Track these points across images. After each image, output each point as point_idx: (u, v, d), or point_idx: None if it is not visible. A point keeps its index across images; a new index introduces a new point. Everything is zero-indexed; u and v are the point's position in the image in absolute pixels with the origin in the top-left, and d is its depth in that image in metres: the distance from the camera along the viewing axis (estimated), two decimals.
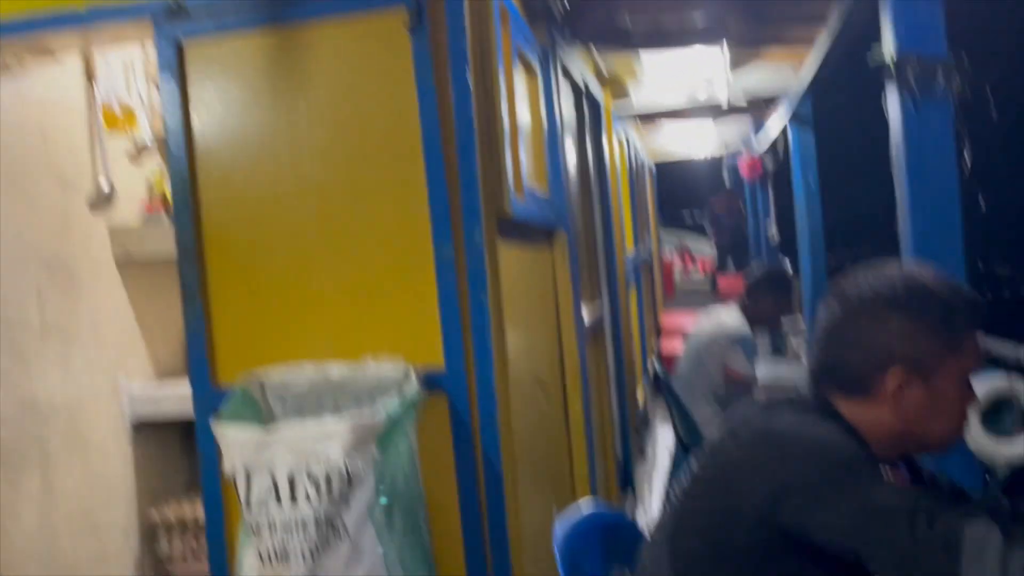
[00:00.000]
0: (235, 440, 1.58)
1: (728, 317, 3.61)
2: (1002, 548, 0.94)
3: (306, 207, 1.79)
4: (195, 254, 1.82)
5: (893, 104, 2.08)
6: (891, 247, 2.26)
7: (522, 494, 1.90)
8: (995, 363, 1.99)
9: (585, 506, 1.49)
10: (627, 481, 3.97)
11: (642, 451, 4.98)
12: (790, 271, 3.76)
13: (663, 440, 5.47)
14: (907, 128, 2.05)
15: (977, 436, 1.86)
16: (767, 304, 3.62)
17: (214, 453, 1.80)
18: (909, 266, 1.29)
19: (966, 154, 2.02)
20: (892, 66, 2.06)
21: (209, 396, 1.82)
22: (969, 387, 1.24)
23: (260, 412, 1.75)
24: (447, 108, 1.73)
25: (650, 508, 4.06)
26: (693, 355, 3.63)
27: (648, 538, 1.33)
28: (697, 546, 1.20)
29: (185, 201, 1.81)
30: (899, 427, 1.22)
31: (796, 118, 4.86)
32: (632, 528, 1.50)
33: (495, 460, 1.73)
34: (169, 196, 2.12)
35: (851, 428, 1.22)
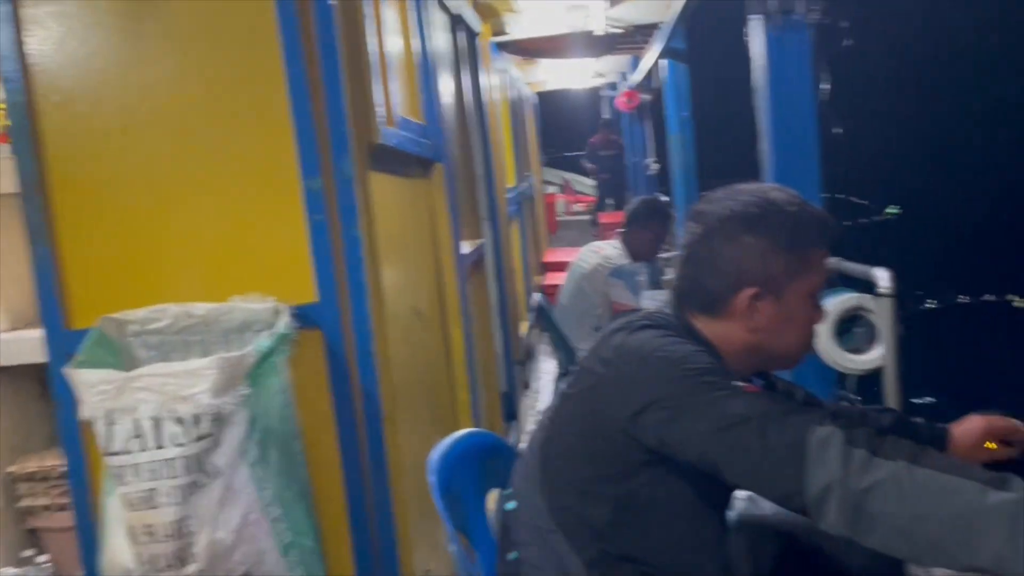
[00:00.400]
0: (92, 385, 1.50)
1: (609, 250, 3.65)
2: (843, 448, 1.00)
3: (160, 137, 1.68)
4: (39, 189, 1.68)
5: (755, 32, 2.13)
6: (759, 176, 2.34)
7: (402, 427, 1.90)
8: (849, 283, 2.12)
9: (460, 432, 1.51)
10: (511, 413, 4.04)
11: (526, 383, 5.09)
12: (668, 203, 3.85)
13: (547, 372, 5.59)
14: (768, 55, 2.11)
15: (831, 349, 1.98)
16: (646, 236, 3.67)
17: (71, 400, 1.71)
18: (763, 186, 1.33)
19: (824, 82, 2.10)
20: None
21: (63, 340, 1.71)
22: (817, 304, 1.30)
23: (120, 355, 1.66)
24: (310, 33, 1.65)
25: None
26: (574, 286, 3.69)
27: (522, 455, 1.36)
28: (565, 463, 1.24)
29: (24, 131, 1.67)
30: (752, 342, 1.27)
31: (669, 51, 4.93)
32: (508, 451, 1.53)
33: (373, 393, 1.71)
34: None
35: (708, 344, 1.27)
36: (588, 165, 13.01)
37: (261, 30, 1.64)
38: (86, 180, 1.70)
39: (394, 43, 2.07)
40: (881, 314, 1.93)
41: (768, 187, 1.32)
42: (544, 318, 3.67)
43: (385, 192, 1.93)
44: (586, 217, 14.54)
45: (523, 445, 3.91)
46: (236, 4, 1.65)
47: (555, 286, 7.02)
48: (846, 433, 1.02)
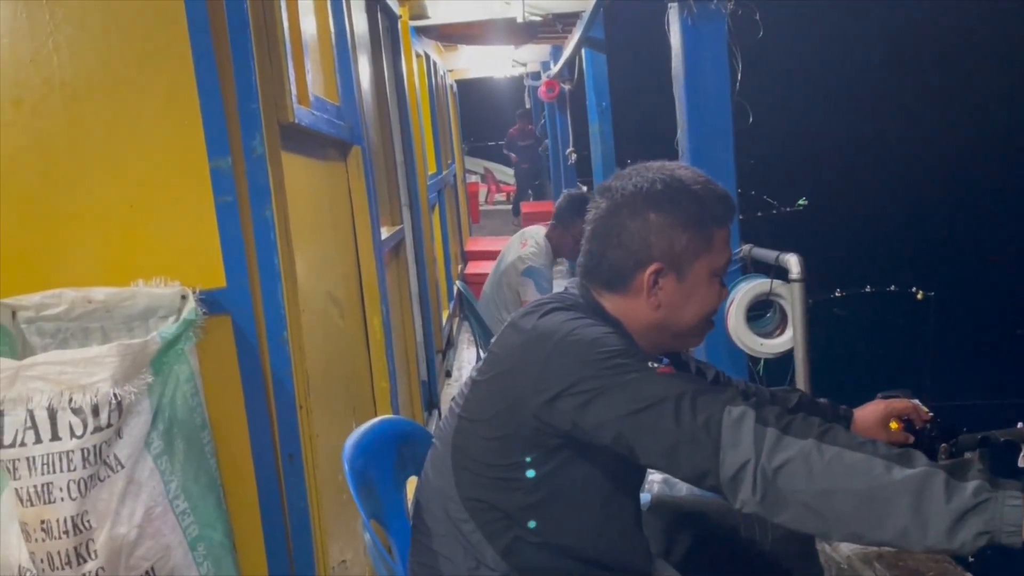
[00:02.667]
0: None
1: (530, 245, 3.58)
2: (755, 427, 1.02)
3: (55, 112, 1.58)
4: None
5: (673, 20, 2.16)
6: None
7: (318, 415, 1.85)
8: (760, 269, 2.17)
9: (376, 419, 1.47)
10: (432, 401, 4.02)
11: (448, 372, 5.06)
12: (586, 195, 3.79)
13: (469, 361, 5.58)
14: (685, 44, 2.14)
15: (742, 333, 2.03)
16: (572, 233, 3.53)
17: None
18: (669, 164, 1.33)
19: (738, 70, 2.14)
20: None
21: None
22: (720, 282, 1.31)
23: (14, 343, 1.57)
24: (219, 6, 1.58)
25: None
26: (495, 281, 3.67)
27: (433, 444, 1.34)
28: (477, 450, 1.22)
29: None
30: (655, 319, 1.27)
31: (588, 40, 4.96)
32: (424, 436, 1.50)
33: (286, 381, 1.66)
34: None
35: (615, 322, 1.27)
36: (511, 155, 13.00)
37: (166, 1, 1.56)
38: None
39: (309, 21, 2.01)
40: (791, 299, 1.98)
41: (674, 165, 1.32)
42: (466, 307, 3.65)
43: (298, 173, 1.87)
44: (508, 207, 14.57)
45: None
46: None
47: (477, 275, 7.03)
48: (757, 412, 1.03)
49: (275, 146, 1.66)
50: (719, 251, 1.27)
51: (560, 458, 1.17)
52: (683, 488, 1.45)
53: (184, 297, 1.59)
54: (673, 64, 2.18)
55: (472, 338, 4.64)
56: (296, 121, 1.72)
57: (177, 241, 1.62)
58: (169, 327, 1.51)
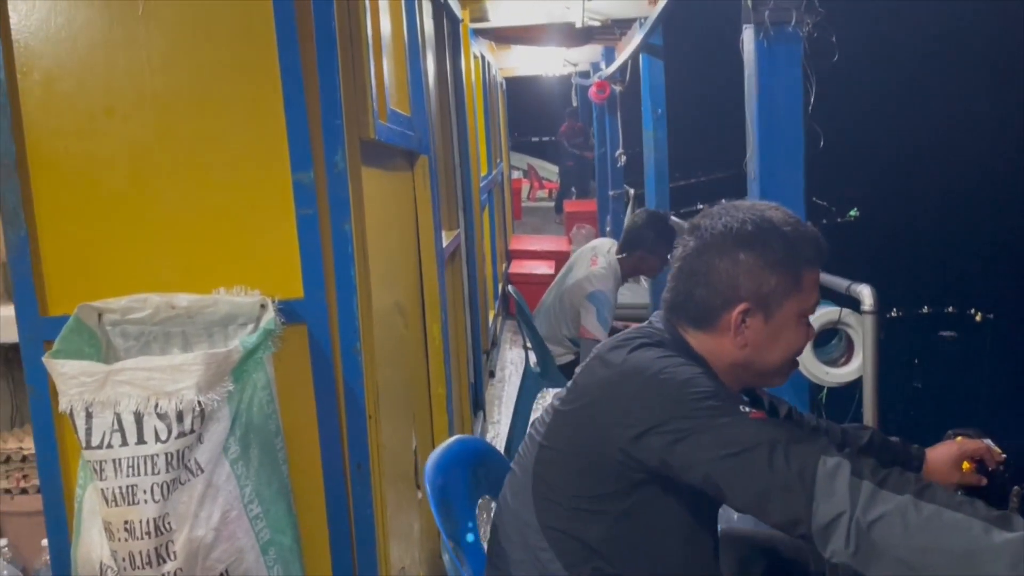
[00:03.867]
0: (72, 376, 1.46)
1: (600, 264, 3.44)
2: (850, 479, 1.02)
3: (146, 122, 1.63)
4: (17, 170, 1.62)
5: (748, 41, 2.14)
6: (735, 178, 2.37)
7: (384, 422, 1.88)
8: (829, 295, 2.16)
9: (452, 439, 1.50)
10: (478, 403, 4.04)
11: (492, 372, 5.09)
12: (666, 213, 3.59)
13: (512, 361, 5.60)
14: (759, 65, 2.12)
15: (808, 361, 2.02)
16: (652, 261, 3.45)
17: (45, 388, 1.66)
18: (759, 204, 1.33)
19: (811, 92, 2.12)
20: (749, 1, 2.12)
21: (38, 326, 1.66)
22: (807, 323, 1.31)
23: (99, 345, 1.62)
24: (306, 19, 1.61)
25: (500, 429, 4.17)
26: (559, 293, 3.58)
27: (512, 470, 1.35)
28: (559, 480, 1.24)
29: (3, 109, 1.60)
30: (739, 358, 1.28)
31: (647, 47, 4.94)
32: (497, 457, 1.52)
33: (357, 391, 1.69)
34: None
35: (700, 359, 1.28)
36: (573, 152, 12.78)
37: (256, 16, 1.60)
38: (67, 162, 1.64)
39: (386, 34, 2.03)
40: (862, 331, 1.97)
41: (764, 205, 1.33)
42: (521, 317, 3.64)
43: (373, 186, 1.90)
44: (550, 204, 14.56)
45: (491, 439, 3.89)
46: None
47: (520, 275, 7.05)
48: (853, 464, 1.03)
49: (356, 161, 1.69)
50: (808, 292, 1.27)
51: (643, 492, 1.19)
52: (751, 519, 1.45)
53: (263, 306, 1.63)
54: (746, 86, 2.17)
55: (518, 338, 4.65)
56: (376, 138, 1.75)
57: (258, 251, 1.66)
58: (250, 336, 1.54)
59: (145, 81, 1.62)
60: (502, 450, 3.77)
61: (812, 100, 2.14)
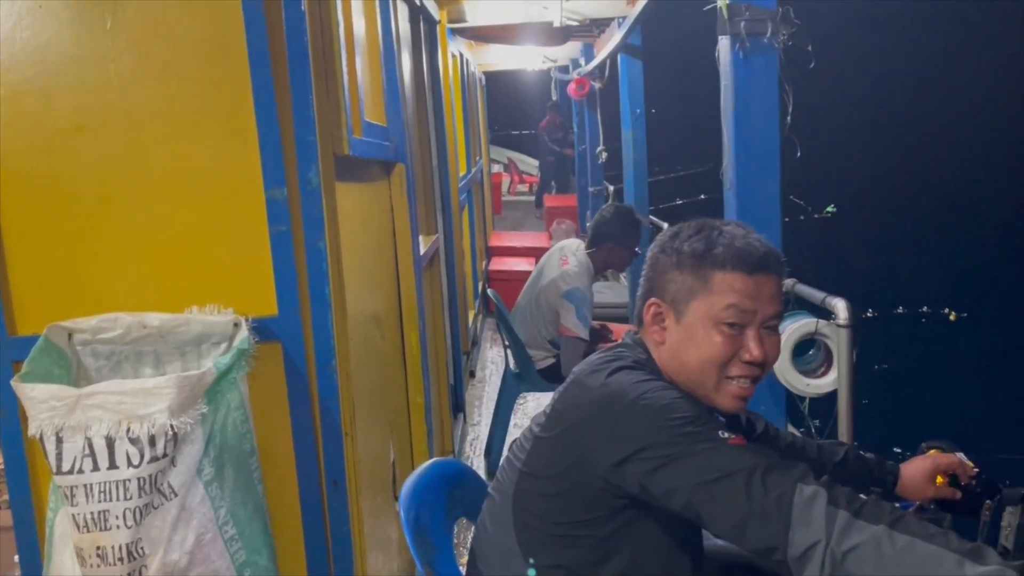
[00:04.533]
0: (42, 400, 1.43)
1: (572, 263, 3.47)
2: (827, 509, 1.03)
3: (116, 138, 1.60)
4: None
5: (724, 52, 2.14)
6: (714, 173, 2.38)
7: (360, 436, 1.87)
8: (806, 307, 2.17)
9: (428, 463, 1.49)
10: (458, 405, 4.04)
11: (472, 372, 5.08)
12: (631, 208, 3.63)
13: (492, 360, 5.60)
14: (735, 74, 2.12)
15: (787, 371, 2.02)
16: (622, 253, 3.49)
17: (15, 410, 1.63)
18: (703, 218, 1.35)
19: (789, 103, 2.13)
20: (725, 12, 2.12)
21: (6, 347, 1.63)
22: (727, 333, 1.25)
23: (69, 365, 1.59)
24: (278, 33, 1.59)
25: (480, 431, 4.17)
26: (533, 296, 3.57)
27: (490, 495, 1.35)
28: (540, 506, 1.24)
29: None
30: (665, 358, 1.30)
31: (626, 47, 4.93)
32: (473, 479, 1.52)
33: (333, 409, 1.68)
34: None
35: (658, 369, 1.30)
36: (554, 148, 12.80)
37: (227, 31, 1.58)
38: (35, 179, 1.61)
39: (361, 44, 2.01)
40: (838, 345, 1.98)
41: (726, 222, 1.34)
42: (499, 319, 3.63)
43: (347, 200, 1.89)
44: (530, 198, 14.55)
45: (471, 440, 3.88)
46: (200, 3, 1.58)
47: (501, 272, 7.04)
48: (829, 493, 1.04)
49: (330, 177, 1.67)
50: (719, 295, 1.24)
51: (625, 516, 1.19)
52: None
53: (237, 325, 1.61)
54: (722, 96, 2.17)
55: (498, 336, 4.64)
56: (351, 153, 1.73)
57: (231, 269, 1.64)
58: (223, 357, 1.53)
59: (114, 97, 1.60)
60: (482, 452, 3.77)
61: (791, 110, 2.14)
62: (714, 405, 1.33)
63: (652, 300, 1.31)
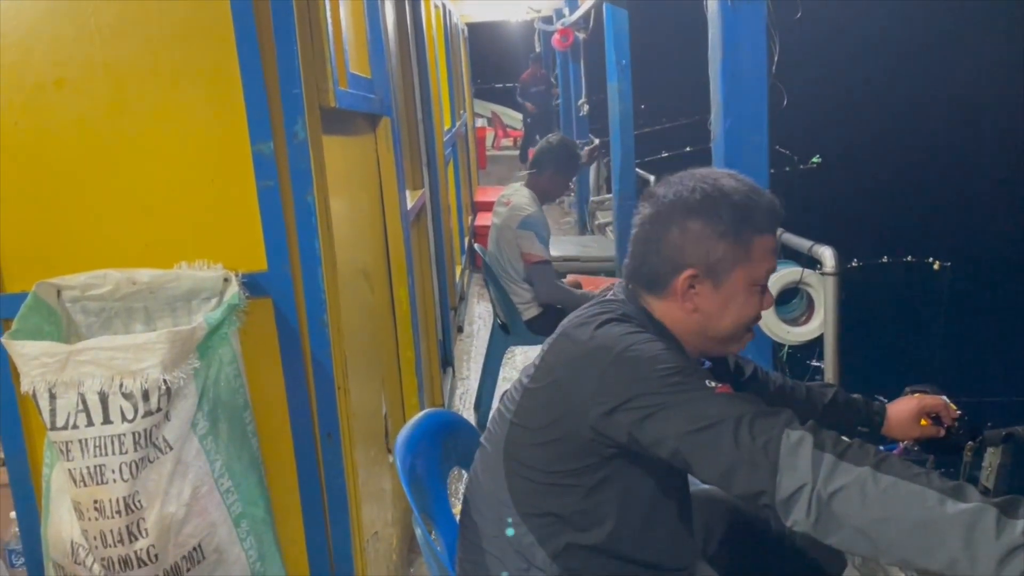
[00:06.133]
0: (33, 357, 1.44)
1: (515, 201, 3.59)
2: (813, 452, 1.05)
3: (98, 93, 1.58)
4: None
5: (712, 2, 2.12)
6: (700, 124, 2.37)
7: (353, 389, 1.89)
8: (791, 254, 2.18)
9: (421, 413, 1.51)
10: (446, 359, 4.06)
11: (460, 328, 5.10)
12: (575, 141, 3.77)
13: (480, 315, 5.62)
14: (723, 26, 2.11)
15: (770, 320, 2.05)
16: (558, 180, 3.64)
17: (7, 368, 1.64)
18: (715, 172, 1.33)
19: (775, 52, 2.12)
20: None
21: None
22: (761, 291, 1.31)
23: (59, 322, 1.59)
24: None
25: (470, 384, 4.20)
26: (494, 241, 3.64)
27: (481, 446, 1.37)
28: (530, 457, 1.25)
29: None
30: (692, 323, 1.30)
31: None
32: (467, 428, 1.54)
33: (325, 363, 1.69)
34: None
35: (662, 327, 1.29)
36: (527, 104, 12.76)
37: None
38: (17, 136, 1.59)
39: None
40: (824, 292, 2.00)
41: (721, 173, 1.33)
42: (487, 273, 3.65)
43: (334, 153, 1.87)
44: (515, 152, 14.46)
45: (461, 394, 3.91)
46: None
47: (487, 227, 7.01)
48: (815, 437, 1.06)
49: (316, 130, 1.66)
50: (759, 261, 1.28)
51: (614, 465, 1.21)
52: None
53: (227, 280, 1.61)
54: (710, 47, 2.15)
55: (485, 292, 4.65)
56: (337, 105, 1.71)
57: (219, 224, 1.64)
58: (215, 312, 1.53)
59: (95, 50, 1.57)
60: (471, 406, 3.80)
61: (776, 59, 2.13)
62: (723, 354, 1.36)
63: (690, 271, 1.27)
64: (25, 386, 1.44)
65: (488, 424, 1.36)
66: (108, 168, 1.60)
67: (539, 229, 3.48)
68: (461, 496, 1.41)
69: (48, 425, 1.44)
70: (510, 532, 1.26)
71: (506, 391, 1.36)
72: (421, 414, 1.50)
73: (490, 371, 3.67)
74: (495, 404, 1.46)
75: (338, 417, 1.71)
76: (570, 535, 1.24)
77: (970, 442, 1.57)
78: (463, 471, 1.49)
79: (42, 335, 1.53)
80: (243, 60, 1.56)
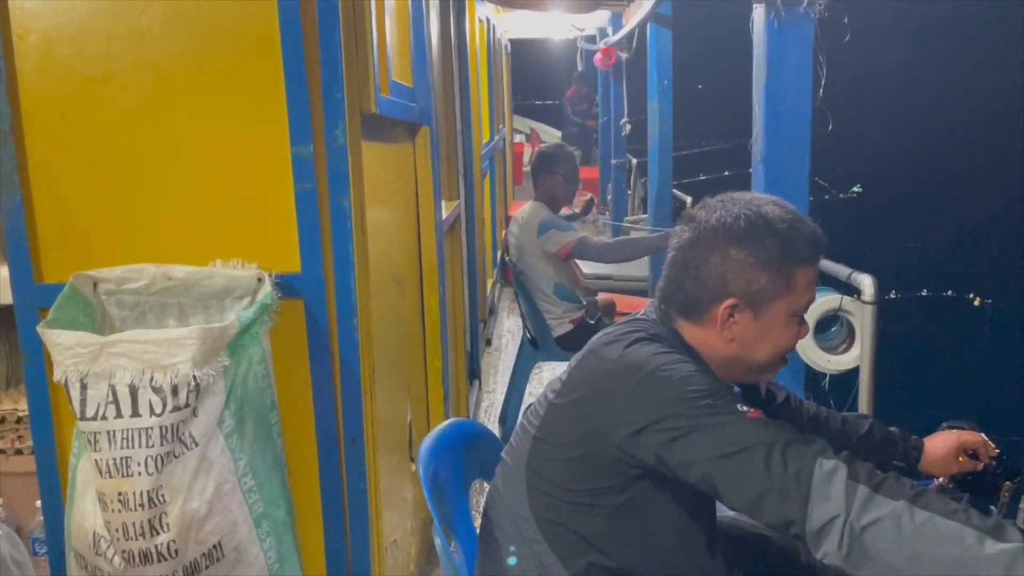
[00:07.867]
0: (67, 347, 1.45)
1: (526, 211, 3.62)
2: (846, 483, 1.02)
3: (144, 89, 1.60)
4: (11, 131, 1.60)
5: (758, 21, 2.10)
6: (740, 148, 2.34)
7: (379, 396, 1.88)
8: (830, 283, 2.15)
9: (447, 422, 1.50)
10: (473, 372, 4.05)
11: (488, 341, 5.09)
12: (572, 149, 3.78)
13: (508, 328, 5.61)
14: (769, 46, 2.09)
15: (808, 348, 2.01)
16: (556, 183, 3.63)
17: (40, 356, 1.66)
18: (758, 198, 1.31)
19: (822, 75, 2.09)
20: None
21: (32, 293, 1.65)
22: (799, 322, 1.28)
23: (94, 314, 1.61)
24: None
25: (496, 398, 4.18)
26: (517, 258, 3.64)
27: (503, 460, 1.35)
28: (554, 474, 1.23)
29: None
30: (727, 352, 1.27)
31: (656, 17, 4.86)
32: (491, 439, 1.52)
33: (353, 366, 1.69)
34: None
35: (693, 352, 1.27)
36: (587, 123, 12.74)
37: None
38: (64, 128, 1.62)
39: (390, 2, 1.99)
40: (862, 321, 1.96)
41: (763, 199, 1.30)
42: (518, 287, 3.65)
43: (373, 159, 1.88)
44: None
45: (486, 407, 3.90)
46: None
47: None
48: (849, 468, 1.03)
49: (356, 135, 1.67)
50: (801, 292, 1.25)
51: (640, 487, 1.19)
52: None
53: (260, 280, 1.61)
54: (755, 66, 2.13)
55: (515, 306, 4.65)
56: (378, 112, 1.72)
57: (255, 224, 1.65)
58: (247, 311, 1.54)
59: (144, 48, 1.59)
60: (496, 419, 3.79)
61: (823, 83, 2.10)
62: (755, 382, 1.33)
63: (730, 300, 1.24)
64: (58, 375, 1.46)
65: (511, 438, 1.34)
66: (149, 164, 1.62)
67: (556, 223, 3.50)
68: (481, 509, 1.39)
69: (78, 415, 1.45)
70: (531, 548, 1.24)
71: (530, 405, 1.34)
72: (446, 423, 1.49)
73: (517, 385, 3.65)
74: (520, 418, 1.46)
75: (363, 422, 1.71)
76: (593, 555, 1.22)
77: (1008, 482, 1.52)
78: (485, 483, 1.48)
79: (77, 325, 1.55)
80: (287, 63, 1.57)
